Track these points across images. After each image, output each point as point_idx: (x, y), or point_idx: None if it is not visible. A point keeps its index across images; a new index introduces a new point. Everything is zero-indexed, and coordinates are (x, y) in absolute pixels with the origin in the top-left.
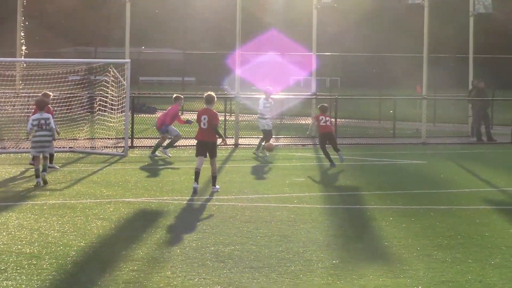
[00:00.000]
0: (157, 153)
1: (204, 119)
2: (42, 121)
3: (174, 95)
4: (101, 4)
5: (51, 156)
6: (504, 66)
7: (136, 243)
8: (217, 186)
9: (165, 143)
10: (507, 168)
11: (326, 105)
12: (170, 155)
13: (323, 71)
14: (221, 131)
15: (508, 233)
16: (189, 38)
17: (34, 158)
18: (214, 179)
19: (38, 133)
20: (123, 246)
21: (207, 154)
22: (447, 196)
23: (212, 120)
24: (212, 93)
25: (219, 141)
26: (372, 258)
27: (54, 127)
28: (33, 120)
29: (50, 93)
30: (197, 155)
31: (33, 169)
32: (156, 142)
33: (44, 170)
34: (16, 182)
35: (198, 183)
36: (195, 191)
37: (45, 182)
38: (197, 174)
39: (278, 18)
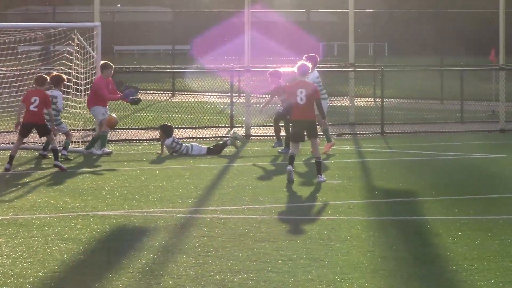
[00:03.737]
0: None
1: (301, 92)
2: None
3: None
4: None
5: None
6: None
7: (114, 272)
8: (322, 176)
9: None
10: None
11: None
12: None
13: (364, 35)
14: (228, 118)
15: None
16: None
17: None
18: (318, 165)
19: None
20: (95, 276)
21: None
22: None
23: (314, 93)
24: (307, 63)
25: None
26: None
27: None
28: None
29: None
30: (293, 140)
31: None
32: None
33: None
34: None
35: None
36: (290, 175)
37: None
38: (292, 158)
39: None
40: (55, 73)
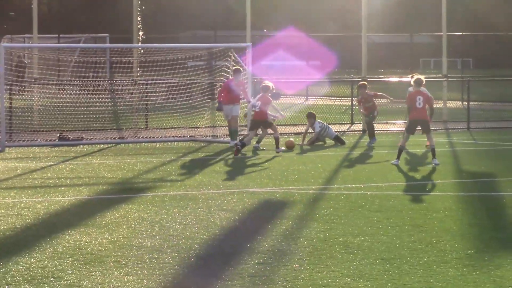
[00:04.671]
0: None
1: (419, 99)
2: None
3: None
4: None
5: None
6: None
7: (261, 235)
8: (436, 160)
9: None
10: None
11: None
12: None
13: (454, 52)
14: (348, 117)
15: None
16: (312, 19)
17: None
18: (433, 151)
19: None
20: (247, 238)
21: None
22: None
23: (429, 100)
24: (422, 77)
25: None
26: (510, 248)
27: None
28: None
29: None
30: (408, 131)
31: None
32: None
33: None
34: (135, 173)
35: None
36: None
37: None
38: (400, 151)
39: None
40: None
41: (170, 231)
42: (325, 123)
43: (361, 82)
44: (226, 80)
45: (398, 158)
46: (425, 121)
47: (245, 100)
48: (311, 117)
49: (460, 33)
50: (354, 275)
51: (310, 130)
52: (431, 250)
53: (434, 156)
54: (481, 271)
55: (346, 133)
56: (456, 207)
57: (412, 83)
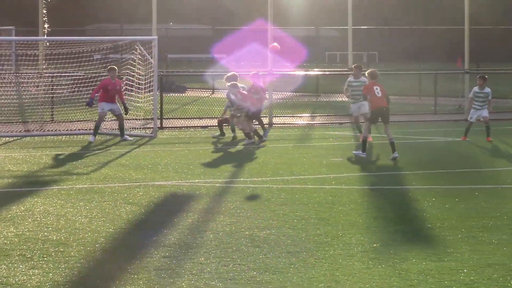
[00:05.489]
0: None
1: (377, 89)
2: None
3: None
4: None
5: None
6: None
7: (167, 228)
8: (396, 153)
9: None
10: None
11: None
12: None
13: (359, 46)
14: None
15: None
16: (217, 12)
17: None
18: (392, 145)
19: None
20: (153, 231)
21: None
22: (492, 174)
23: (384, 89)
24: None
25: None
26: (415, 241)
27: None
28: None
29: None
30: (371, 121)
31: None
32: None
33: None
34: (41, 167)
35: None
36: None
37: None
38: (364, 143)
39: None
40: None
41: (76, 224)
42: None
43: (253, 72)
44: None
45: (363, 150)
46: (387, 108)
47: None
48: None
49: (366, 27)
50: (260, 268)
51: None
52: (336, 244)
53: (393, 150)
54: (386, 264)
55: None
56: (361, 200)
57: (366, 75)
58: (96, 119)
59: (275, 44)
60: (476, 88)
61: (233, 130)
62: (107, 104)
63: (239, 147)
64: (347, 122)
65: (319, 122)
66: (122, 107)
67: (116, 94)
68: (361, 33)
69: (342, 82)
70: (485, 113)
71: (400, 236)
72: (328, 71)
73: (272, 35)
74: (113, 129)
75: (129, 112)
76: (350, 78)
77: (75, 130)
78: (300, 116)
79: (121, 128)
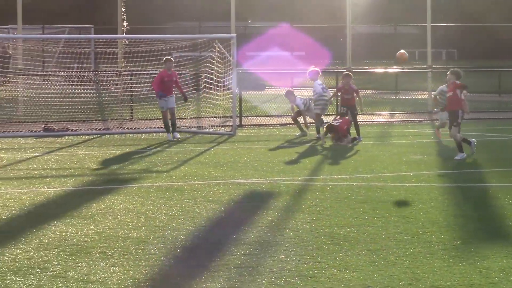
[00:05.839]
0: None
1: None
2: None
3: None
4: None
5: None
6: None
7: (247, 226)
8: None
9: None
10: None
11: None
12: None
13: (438, 43)
14: (333, 108)
15: None
16: (296, 10)
17: None
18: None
19: None
20: (233, 229)
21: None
22: None
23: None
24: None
25: None
26: (495, 239)
27: None
28: None
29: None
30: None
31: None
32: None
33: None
34: (120, 164)
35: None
36: None
37: None
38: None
39: None
40: None
41: (156, 222)
42: (305, 98)
43: (346, 72)
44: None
45: (461, 151)
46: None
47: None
48: (289, 94)
49: (445, 24)
50: (340, 266)
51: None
52: (417, 241)
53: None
54: (467, 262)
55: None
56: (441, 198)
57: (449, 74)
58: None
59: (403, 51)
60: None
61: (318, 130)
62: (163, 96)
63: (317, 145)
64: (426, 120)
65: (398, 119)
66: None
67: (172, 85)
68: (440, 30)
69: (421, 80)
70: None
71: (480, 234)
72: (407, 68)
73: (351, 32)
74: (192, 127)
75: (189, 101)
76: (443, 87)
77: (154, 128)
78: (379, 114)
79: (173, 124)
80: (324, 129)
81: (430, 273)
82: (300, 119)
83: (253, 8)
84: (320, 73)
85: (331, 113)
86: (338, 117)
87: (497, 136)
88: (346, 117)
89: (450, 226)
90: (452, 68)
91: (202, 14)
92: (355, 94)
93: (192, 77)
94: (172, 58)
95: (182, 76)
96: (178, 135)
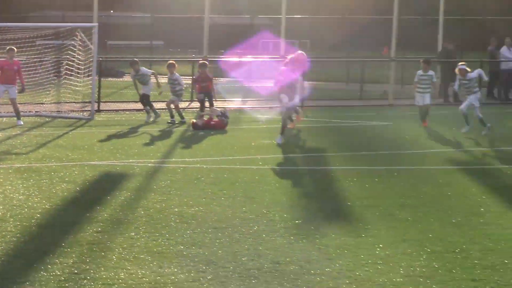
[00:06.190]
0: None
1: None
2: None
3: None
4: None
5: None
6: (474, 28)
7: (101, 205)
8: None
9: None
10: (472, 129)
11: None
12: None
13: (292, 34)
14: (189, 95)
15: (470, 192)
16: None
17: None
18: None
19: None
20: (87, 208)
21: None
22: (411, 156)
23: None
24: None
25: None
26: (335, 218)
27: None
28: None
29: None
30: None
31: None
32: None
33: None
34: None
35: None
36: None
37: None
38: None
39: None
40: None
41: (13, 201)
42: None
43: (202, 61)
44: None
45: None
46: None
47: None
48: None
49: (299, 16)
50: (187, 242)
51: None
52: (261, 220)
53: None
54: (307, 239)
55: (185, 110)
56: (287, 180)
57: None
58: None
59: (300, 52)
60: (420, 72)
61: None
62: (2, 85)
63: (171, 129)
64: (276, 107)
65: (250, 106)
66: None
67: (13, 75)
68: (294, 22)
69: (272, 69)
70: (427, 99)
71: (321, 214)
72: (262, 59)
73: (208, 23)
74: (51, 112)
75: (25, 92)
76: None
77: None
78: (231, 101)
79: (17, 112)
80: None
81: (272, 250)
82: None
83: None
84: (176, 66)
85: (187, 99)
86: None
87: (342, 122)
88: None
89: (293, 206)
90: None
91: (66, 3)
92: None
93: (53, 64)
94: (14, 48)
95: (44, 62)
96: (21, 122)
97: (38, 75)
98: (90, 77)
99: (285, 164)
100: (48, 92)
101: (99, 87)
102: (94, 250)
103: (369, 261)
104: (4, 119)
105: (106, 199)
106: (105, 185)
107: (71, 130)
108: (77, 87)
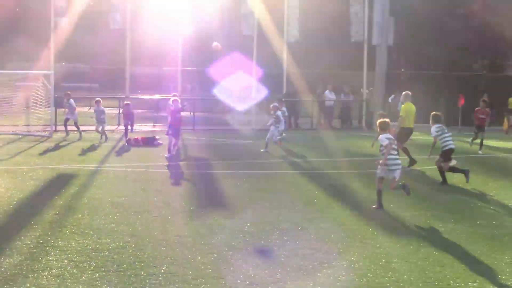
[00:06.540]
0: None
1: None
2: None
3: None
4: None
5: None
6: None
7: (58, 196)
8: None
9: None
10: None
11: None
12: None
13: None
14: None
15: (307, 187)
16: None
17: None
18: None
19: None
20: (48, 198)
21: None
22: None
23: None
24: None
25: None
26: (219, 205)
27: None
28: None
29: None
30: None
31: None
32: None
33: None
34: None
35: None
36: None
37: None
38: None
39: None
40: None
41: None
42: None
43: (126, 101)
44: None
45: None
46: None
47: None
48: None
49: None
50: (117, 221)
51: None
52: (167, 207)
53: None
54: (199, 220)
55: (114, 131)
56: (185, 180)
57: None
58: None
59: (216, 43)
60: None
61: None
62: None
63: (107, 144)
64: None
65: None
66: None
67: None
68: None
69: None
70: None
71: (209, 202)
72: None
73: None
74: (24, 131)
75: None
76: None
77: None
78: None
79: None
80: None
81: (175, 227)
82: None
83: None
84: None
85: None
86: None
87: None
88: None
89: (189, 198)
90: None
91: (31, 57)
92: None
93: (24, 98)
94: None
95: (17, 97)
96: None
97: (14, 106)
98: (49, 108)
99: (186, 168)
100: (20, 118)
101: (56, 115)
102: (53, 226)
103: (240, 234)
104: None
105: (61, 191)
106: (60, 182)
107: (37, 144)
108: (40, 114)
